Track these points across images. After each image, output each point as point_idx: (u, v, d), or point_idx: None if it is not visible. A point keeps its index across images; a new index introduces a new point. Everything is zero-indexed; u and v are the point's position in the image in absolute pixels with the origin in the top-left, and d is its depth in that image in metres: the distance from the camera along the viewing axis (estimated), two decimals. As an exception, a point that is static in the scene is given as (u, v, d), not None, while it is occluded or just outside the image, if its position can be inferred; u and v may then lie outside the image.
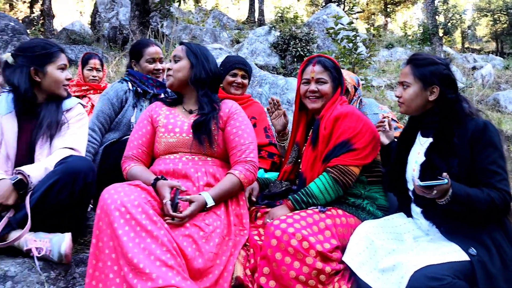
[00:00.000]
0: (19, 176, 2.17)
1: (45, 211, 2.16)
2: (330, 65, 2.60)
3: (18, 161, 2.41)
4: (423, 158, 2.21)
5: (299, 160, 2.67)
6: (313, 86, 2.57)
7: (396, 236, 2.22)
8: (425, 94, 2.22)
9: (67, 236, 2.16)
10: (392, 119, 2.91)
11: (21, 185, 2.17)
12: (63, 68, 2.50)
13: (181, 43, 2.64)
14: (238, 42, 11.14)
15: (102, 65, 4.66)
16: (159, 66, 3.29)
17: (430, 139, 2.23)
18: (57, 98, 2.52)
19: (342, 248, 2.22)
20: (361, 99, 3.49)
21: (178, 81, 2.54)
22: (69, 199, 2.18)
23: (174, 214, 2.09)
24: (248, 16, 19.86)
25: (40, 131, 2.41)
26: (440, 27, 18.64)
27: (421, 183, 1.89)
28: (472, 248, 1.94)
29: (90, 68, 4.58)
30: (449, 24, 19.85)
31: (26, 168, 2.22)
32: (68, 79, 2.52)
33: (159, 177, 2.28)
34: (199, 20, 13.40)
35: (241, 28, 15.31)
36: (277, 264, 2.04)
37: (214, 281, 2.03)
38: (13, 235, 2.12)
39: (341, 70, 2.70)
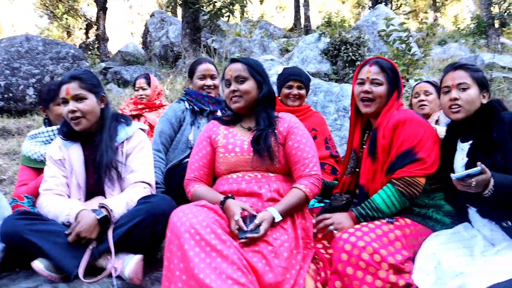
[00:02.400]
0: (104, 211, 2.28)
1: (126, 245, 2.27)
2: (387, 66, 2.51)
3: (89, 189, 2.55)
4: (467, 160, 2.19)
5: (357, 170, 2.60)
6: (366, 86, 2.48)
7: (464, 252, 2.14)
8: (480, 98, 2.25)
9: (134, 260, 2.23)
10: None
11: (104, 220, 2.27)
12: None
13: (233, 60, 2.60)
14: (287, 50, 11.14)
15: (149, 83, 4.85)
16: (209, 82, 3.37)
17: (470, 141, 2.21)
18: (110, 125, 2.58)
19: (413, 259, 2.17)
20: None
21: (248, 103, 2.52)
22: (151, 237, 2.29)
23: (250, 235, 2.10)
24: (294, 23, 19.84)
25: (101, 169, 2.49)
26: (496, 17, 17.84)
27: (457, 176, 1.90)
28: None
29: (137, 88, 4.87)
30: (505, 14, 18.97)
31: (109, 203, 2.33)
32: (72, 111, 2.46)
33: (229, 195, 2.32)
34: (247, 32, 13.54)
35: (288, 36, 15.30)
36: (348, 278, 2.01)
37: (286, 294, 2.03)
38: (100, 263, 2.24)
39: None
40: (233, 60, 2.60)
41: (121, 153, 2.58)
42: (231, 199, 2.29)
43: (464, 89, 2.24)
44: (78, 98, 2.46)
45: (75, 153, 2.56)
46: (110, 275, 2.20)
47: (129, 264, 2.21)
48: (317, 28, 15.96)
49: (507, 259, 1.93)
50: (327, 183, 2.85)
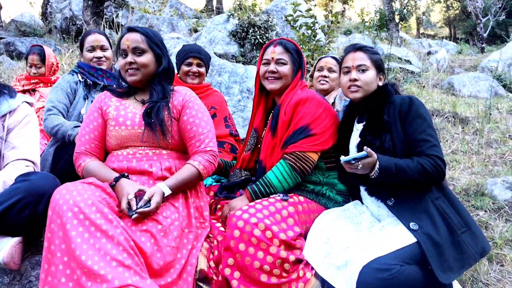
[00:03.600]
0: None
1: (3, 228, 2.06)
2: (291, 47, 2.57)
3: None
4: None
5: (259, 146, 2.63)
6: (272, 67, 2.53)
7: (352, 228, 2.23)
8: (377, 81, 2.35)
9: (9, 243, 2.05)
10: None
11: None
12: None
13: (131, 29, 2.41)
14: (196, 31, 10.94)
15: (43, 59, 4.38)
16: (99, 54, 3.22)
17: (364, 122, 2.31)
18: None
19: (305, 235, 2.23)
20: None
21: (146, 76, 2.39)
22: (31, 218, 2.07)
23: (141, 210, 2.00)
24: (206, 5, 19.61)
25: None
26: (396, 13, 18.98)
27: (344, 159, 1.97)
28: (414, 223, 2.00)
29: (29, 64, 4.38)
30: (404, 10, 20.24)
31: None
32: None
33: (124, 174, 2.20)
34: (156, 10, 13.10)
35: (199, 17, 15.10)
36: (241, 255, 2.03)
37: (177, 275, 1.97)
38: None
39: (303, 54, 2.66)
40: (130, 29, 2.40)
41: (1, 127, 2.33)
42: (126, 179, 2.16)
43: (363, 71, 2.31)
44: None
45: None
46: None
47: (3, 249, 2.02)
48: (228, 10, 15.90)
49: (390, 234, 2.03)
50: (226, 163, 2.83)
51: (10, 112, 2.36)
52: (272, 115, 2.57)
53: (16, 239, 2.07)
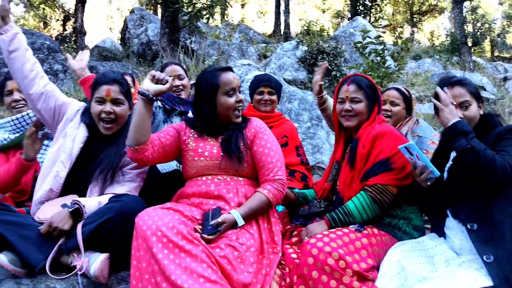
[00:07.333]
0: (76, 206, 2.30)
1: (94, 243, 2.28)
2: (365, 84, 2.60)
3: (72, 180, 2.55)
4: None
5: (337, 178, 2.67)
6: (347, 105, 2.58)
7: (428, 260, 2.21)
8: (479, 111, 2.35)
9: (99, 258, 2.23)
10: None
11: (76, 214, 2.29)
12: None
13: (229, 69, 2.60)
14: (265, 56, 11.20)
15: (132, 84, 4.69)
16: (177, 82, 3.45)
17: None
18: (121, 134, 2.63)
19: (378, 268, 2.23)
20: (417, 119, 3.45)
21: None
22: (120, 237, 2.29)
23: (205, 236, 2.14)
24: (274, 29, 19.95)
25: (97, 170, 2.54)
26: (469, 36, 18.36)
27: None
28: (487, 255, 1.98)
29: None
30: (478, 33, 19.53)
31: (81, 199, 2.36)
32: (109, 113, 2.55)
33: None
34: (226, 35, 13.55)
35: (267, 42, 15.39)
36: (313, 282, 2.05)
37: (252, 300, 2.06)
38: (64, 259, 2.24)
39: (379, 88, 2.69)
40: (229, 69, 2.61)
41: (122, 160, 2.63)
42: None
43: (466, 107, 2.32)
44: (117, 102, 2.54)
45: (82, 132, 2.60)
46: (74, 272, 2.20)
47: (95, 262, 2.21)
48: (296, 35, 16.08)
49: (469, 275, 1.99)
50: (299, 195, 2.89)
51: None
52: (350, 148, 2.61)
53: (106, 255, 2.26)
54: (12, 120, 2.96)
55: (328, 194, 2.74)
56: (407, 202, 2.49)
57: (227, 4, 10.76)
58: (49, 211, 2.35)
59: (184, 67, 3.63)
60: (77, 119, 2.64)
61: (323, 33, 13.22)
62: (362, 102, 2.58)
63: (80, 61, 3.24)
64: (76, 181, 2.55)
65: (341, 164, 2.69)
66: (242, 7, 30.57)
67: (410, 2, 27.00)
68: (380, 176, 2.36)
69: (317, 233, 2.27)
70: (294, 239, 2.48)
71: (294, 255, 2.32)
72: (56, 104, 2.63)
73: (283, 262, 2.31)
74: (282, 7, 19.22)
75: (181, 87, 3.45)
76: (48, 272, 2.11)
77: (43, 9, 20.95)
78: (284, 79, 7.67)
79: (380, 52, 6.52)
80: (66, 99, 2.68)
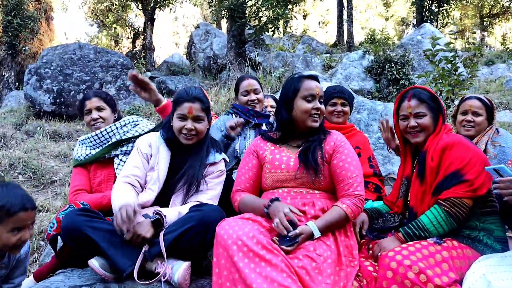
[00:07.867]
0: (157, 216, 2.42)
1: (176, 251, 2.37)
2: (426, 96, 2.54)
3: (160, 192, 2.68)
4: None
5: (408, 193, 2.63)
6: (412, 122, 2.52)
7: None
8: None
9: (182, 266, 2.31)
10: None
11: (158, 224, 2.41)
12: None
13: (314, 78, 2.62)
14: (330, 66, 11.18)
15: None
16: (253, 97, 3.54)
17: None
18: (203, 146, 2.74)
19: (461, 282, 2.15)
20: (497, 128, 3.33)
21: None
22: (200, 245, 2.39)
23: (284, 248, 2.16)
24: (337, 39, 19.85)
25: (181, 181, 2.65)
26: (546, 39, 17.31)
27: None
28: None
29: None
30: (556, 36, 18.37)
31: (163, 210, 2.48)
32: (190, 130, 2.64)
33: (278, 198, 2.40)
34: (290, 47, 13.66)
35: (331, 52, 15.35)
36: (393, 295, 2.02)
37: (332, 311, 2.06)
38: (148, 265, 2.35)
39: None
40: (314, 78, 2.63)
41: (205, 170, 2.74)
42: (278, 201, 2.36)
43: None
44: (198, 119, 2.65)
45: (163, 153, 2.71)
46: (157, 278, 2.30)
47: (178, 270, 2.29)
48: (360, 44, 15.91)
49: None
50: (371, 211, 2.84)
51: (209, 164, 2.74)
52: (417, 162, 2.56)
53: (188, 263, 2.35)
54: (92, 137, 3.12)
55: (402, 210, 2.70)
56: (486, 212, 2.38)
57: (291, 16, 10.81)
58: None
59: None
60: (155, 148, 2.74)
61: (388, 42, 12.99)
62: (427, 115, 2.51)
63: (145, 93, 3.21)
64: (160, 193, 2.67)
65: (410, 179, 2.64)
66: (304, 18, 30.66)
67: (480, 5, 25.92)
68: (453, 189, 2.29)
69: (390, 249, 2.22)
70: (369, 252, 2.45)
71: (370, 268, 2.29)
72: (146, 172, 2.73)
73: (360, 274, 2.29)
74: (345, 17, 19.11)
75: (256, 101, 3.54)
76: (135, 277, 2.22)
77: (115, 28, 22.11)
78: (351, 89, 7.62)
79: (451, 59, 6.31)
80: (136, 161, 2.72)
